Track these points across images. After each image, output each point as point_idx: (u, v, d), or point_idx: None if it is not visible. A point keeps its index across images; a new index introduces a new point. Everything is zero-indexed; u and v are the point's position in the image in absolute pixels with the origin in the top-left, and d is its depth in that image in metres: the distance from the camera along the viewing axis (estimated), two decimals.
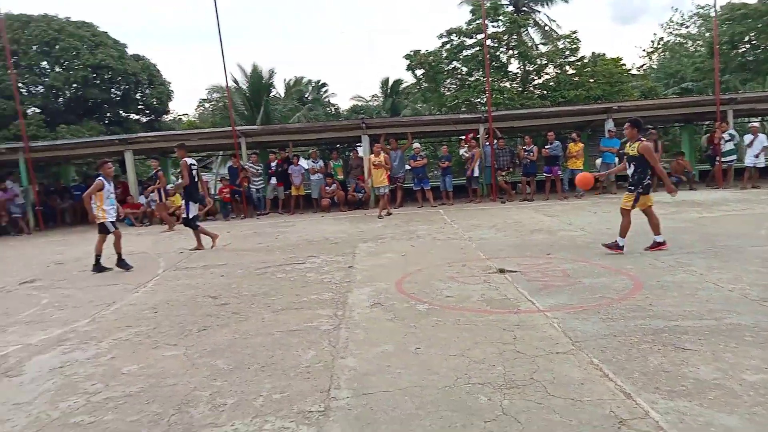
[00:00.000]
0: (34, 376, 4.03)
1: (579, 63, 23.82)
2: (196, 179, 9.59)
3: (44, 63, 22.62)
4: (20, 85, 20.01)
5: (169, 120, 30.36)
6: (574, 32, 23.72)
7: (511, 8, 25.77)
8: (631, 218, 6.93)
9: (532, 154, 14.45)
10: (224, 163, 26.76)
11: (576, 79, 23.34)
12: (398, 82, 34.81)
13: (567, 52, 23.93)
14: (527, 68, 24.98)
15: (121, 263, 8.15)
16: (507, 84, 24.54)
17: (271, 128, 18.68)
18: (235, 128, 15.62)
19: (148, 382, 3.75)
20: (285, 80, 35.85)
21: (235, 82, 28.55)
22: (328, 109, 35.61)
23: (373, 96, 39.58)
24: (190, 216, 9.55)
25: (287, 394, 3.40)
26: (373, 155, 13.07)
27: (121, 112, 25.09)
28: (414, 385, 3.39)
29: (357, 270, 6.97)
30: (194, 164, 9.77)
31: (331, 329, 4.62)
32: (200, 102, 39.62)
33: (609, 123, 15.00)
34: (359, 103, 37.58)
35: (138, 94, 24.98)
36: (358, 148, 17.30)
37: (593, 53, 24.59)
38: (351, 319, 4.86)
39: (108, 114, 24.44)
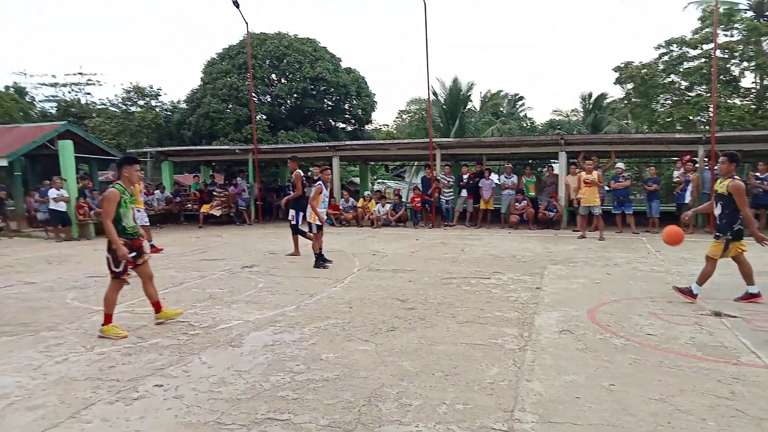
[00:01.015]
0: (251, 349, 4.64)
1: None
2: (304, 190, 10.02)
3: (273, 75, 25.92)
4: (253, 94, 23.15)
5: (370, 129, 32.53)
6: None
7: (750, 14, 22.53)
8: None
9: (766, 183, 12.46)
10: (417, 172, 27.92)
11: None
12: (602, 96, 32.78)
13: None
14: (765, 83, 21.62)
15: (321, 260, 8.84)
16: (737, 101, 21.53)
17: (467, 141, 18.94)
18: (432, 140, 16.16)
19: (343, 371, 4.07)
20: (481, 93, 36.09)
21: (435, 94, 29.52)
22: (523, 123, 34.94)
23: (572, 110, 37.81)
24: (299, 223, 9.96)
25: (470, 407, 3.41)
26: (584, 172, 12.45)
27: (330, 120, 27.61)
28: (606, 423, 3.16)
29: (545, 292, 6.72)
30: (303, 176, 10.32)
31: (516, 349, 4.52)
32: (399, 113, 41.78)
33: None
34: (557, 118, 36.19)
35: (346, 105, 27.23)
36: (554, 165, 16.64)
37: None
38: (538, 343, 4.70)
39: (319, 122, 27.07)
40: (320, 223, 8.99)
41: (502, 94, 37.21)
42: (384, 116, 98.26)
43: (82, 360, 4.41)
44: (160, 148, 21.47)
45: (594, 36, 77.83)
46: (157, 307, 5.47)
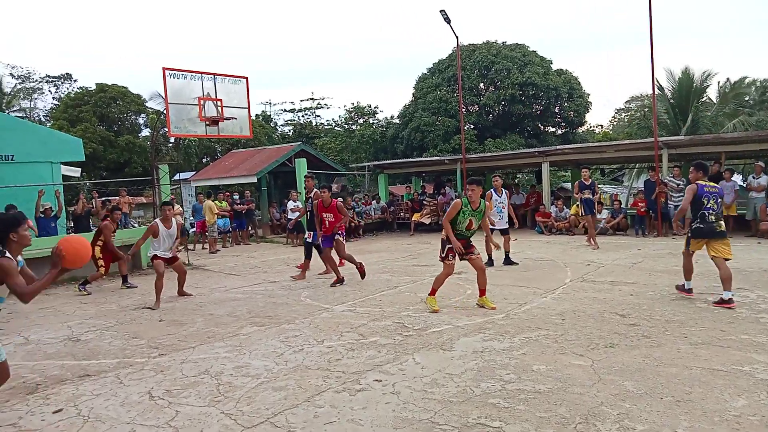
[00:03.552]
0: (461, 354, 4.72)
1: None
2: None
3: (481, 85, 26.17)
4: (462, 105, 23.65)
5: (582, 131, 30.69)
6: None
7: None
8: None
9: None
10: (638, 175, 25.45)
11: None
12: None
13: None
14: None
15: (508, 261, 9.70)
16: None
17: (701, 138, 16.65)
18: (657, 139, 14.61)
19: (556, 384, 3.90)
20: (719, 83, 31.40)
21: (660, 88, 26.62)
22: None
23: None
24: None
25: None
26: None
27: (539, 125, 26.78)
28: None
29: None
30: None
31: None
32: (616, 112, 38.68)
33: None
34: None
35: (557, 108, 26.16)
36: None
37: None
38: None
39: (528, 128, 26.43)
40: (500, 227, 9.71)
41: (747, 80, 31.87)
42: (599, 116, 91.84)
43: (314, 351, 4.98)
44: (376, 162, 23.19)
45: None
46: (482, 292, 6.56)
